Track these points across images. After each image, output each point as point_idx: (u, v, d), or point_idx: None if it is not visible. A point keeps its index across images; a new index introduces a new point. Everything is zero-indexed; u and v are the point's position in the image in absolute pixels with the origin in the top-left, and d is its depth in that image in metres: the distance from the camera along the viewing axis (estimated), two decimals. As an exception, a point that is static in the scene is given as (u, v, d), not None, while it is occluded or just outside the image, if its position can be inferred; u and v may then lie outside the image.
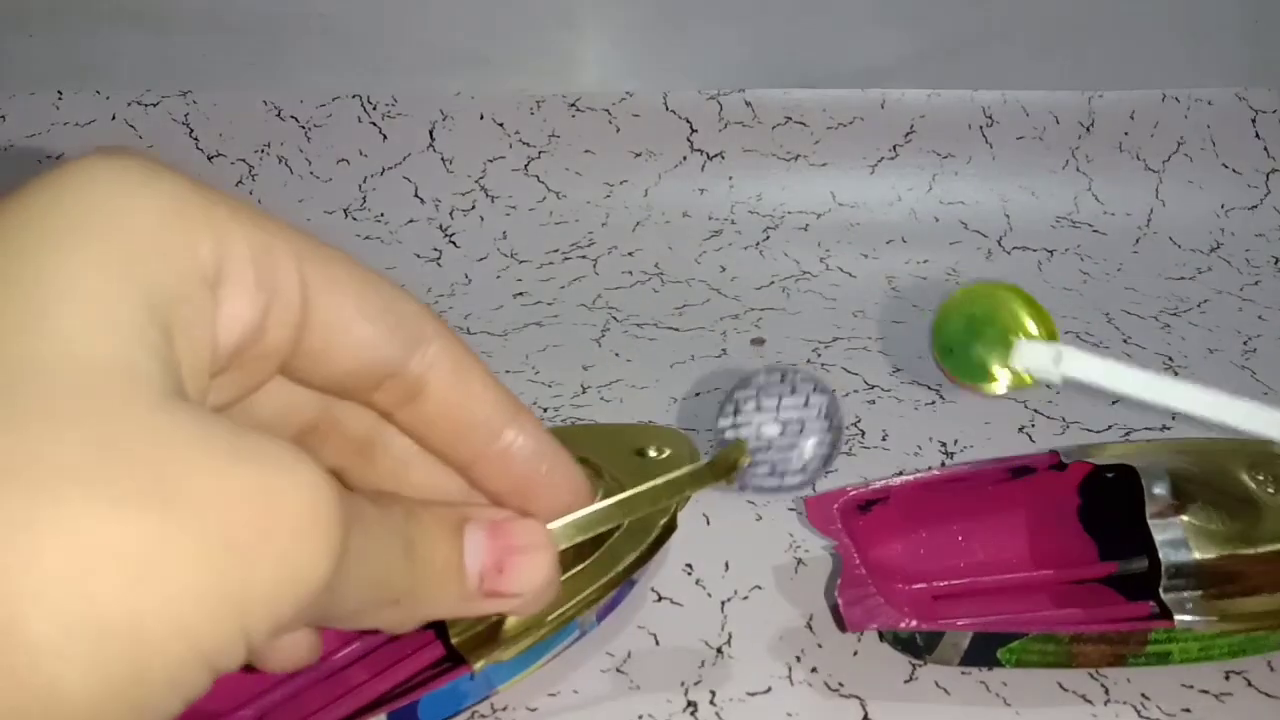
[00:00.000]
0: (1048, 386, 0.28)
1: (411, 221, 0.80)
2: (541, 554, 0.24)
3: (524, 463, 0.25)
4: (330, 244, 0.22)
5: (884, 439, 0.57)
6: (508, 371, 0.64)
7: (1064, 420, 0.59)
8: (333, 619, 0.21)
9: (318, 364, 0.22)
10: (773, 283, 0.75)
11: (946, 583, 0.46)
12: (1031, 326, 0.29)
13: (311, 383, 0.22)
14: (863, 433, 0.58)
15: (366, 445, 0.25)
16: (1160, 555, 0.40)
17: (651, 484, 0.24)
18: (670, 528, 0.44)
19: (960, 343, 0.31)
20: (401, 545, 0.22)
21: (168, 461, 0.16)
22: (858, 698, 0.41)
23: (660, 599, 0.46)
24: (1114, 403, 0.60)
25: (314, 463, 0.18)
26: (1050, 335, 0.28)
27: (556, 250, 0.78)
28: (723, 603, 0.46)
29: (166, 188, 0.19)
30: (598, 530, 0.25)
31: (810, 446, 0.24)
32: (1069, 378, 0.27)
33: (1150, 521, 0.41)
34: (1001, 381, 0.29)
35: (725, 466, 0.24)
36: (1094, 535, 0.46)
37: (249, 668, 0.20)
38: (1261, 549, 0.41)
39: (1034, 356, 0.28)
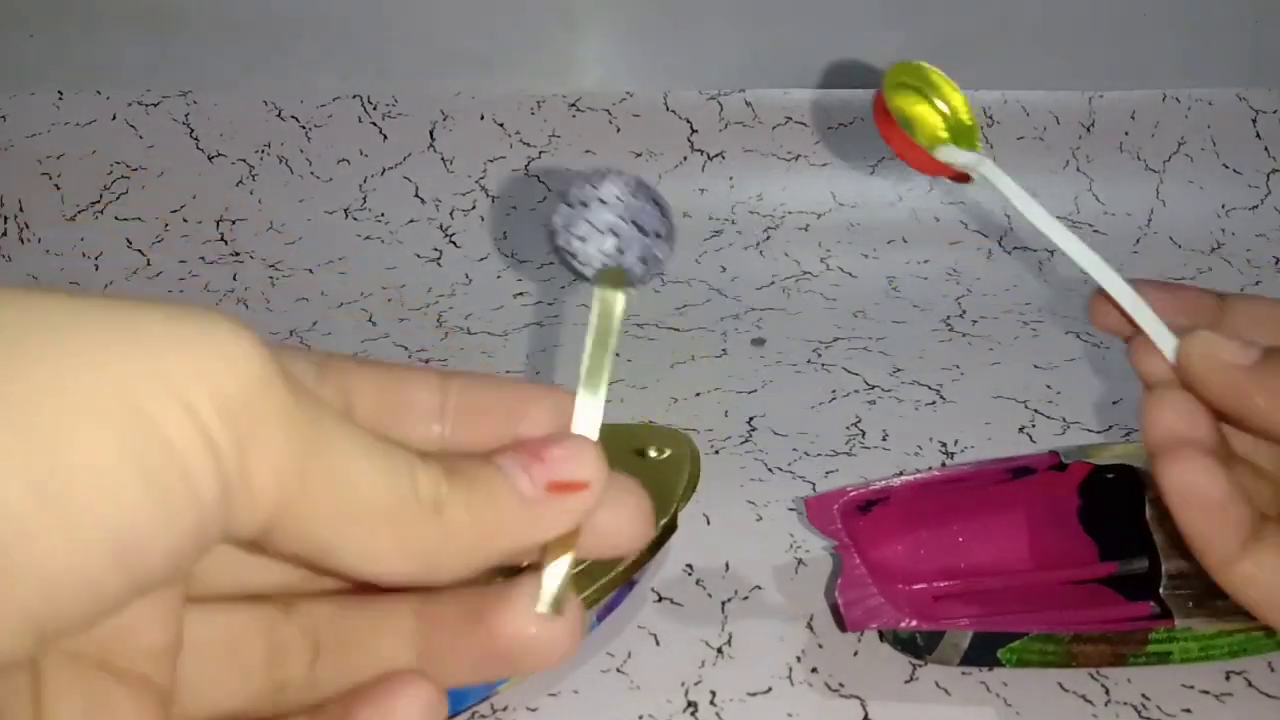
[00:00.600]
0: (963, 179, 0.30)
1: (412, 221, 0.80)
2: (583, 442, 0.23)
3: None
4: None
5: (884, 439, 0.57)
6: (508, 371, 0.64)
7: (1064, 420, 0.59)
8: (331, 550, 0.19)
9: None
10: (773, 283, 0.75)
11: (947, 583, 0.46)
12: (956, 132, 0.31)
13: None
14: (863, 433, 0.58)
15: None
16: (1160, 555, 0.40)
17: (591, 337, 0.23)
18: (670, 528, 0.44)
19: (914, 93, 0.31)
20: (407, 470, 0.20)
21: None
22: (858, 698, 0.41)
23: (660, 599, 0.46)
24: (1115, 402, 0.60)
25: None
26: (970, 145, 0.31)
27: (557, 250, 0.78)
28: (723, 603, 0.46)
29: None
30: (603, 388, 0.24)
31: (650, 224, 0.24)
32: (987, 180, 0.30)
33: (1150, 522, 0.41)
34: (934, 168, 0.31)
35: (613, 286, 0.24)
36: (1094, 535, 0.46)
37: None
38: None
39: (955, 158, 0.30)
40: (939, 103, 0.31)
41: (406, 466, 0.19)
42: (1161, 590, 0.40)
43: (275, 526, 0.18)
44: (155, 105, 0.81)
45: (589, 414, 0.23)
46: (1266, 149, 0.81)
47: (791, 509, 0.52)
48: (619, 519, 0.23)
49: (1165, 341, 0.28)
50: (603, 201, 0.23)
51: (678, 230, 0.23)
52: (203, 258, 0.78)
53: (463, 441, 0.23)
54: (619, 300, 0.23)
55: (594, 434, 0.23)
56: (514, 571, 0.24)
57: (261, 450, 0.17)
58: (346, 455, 0.18)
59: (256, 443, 0.17)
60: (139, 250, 0.78)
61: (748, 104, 0.81)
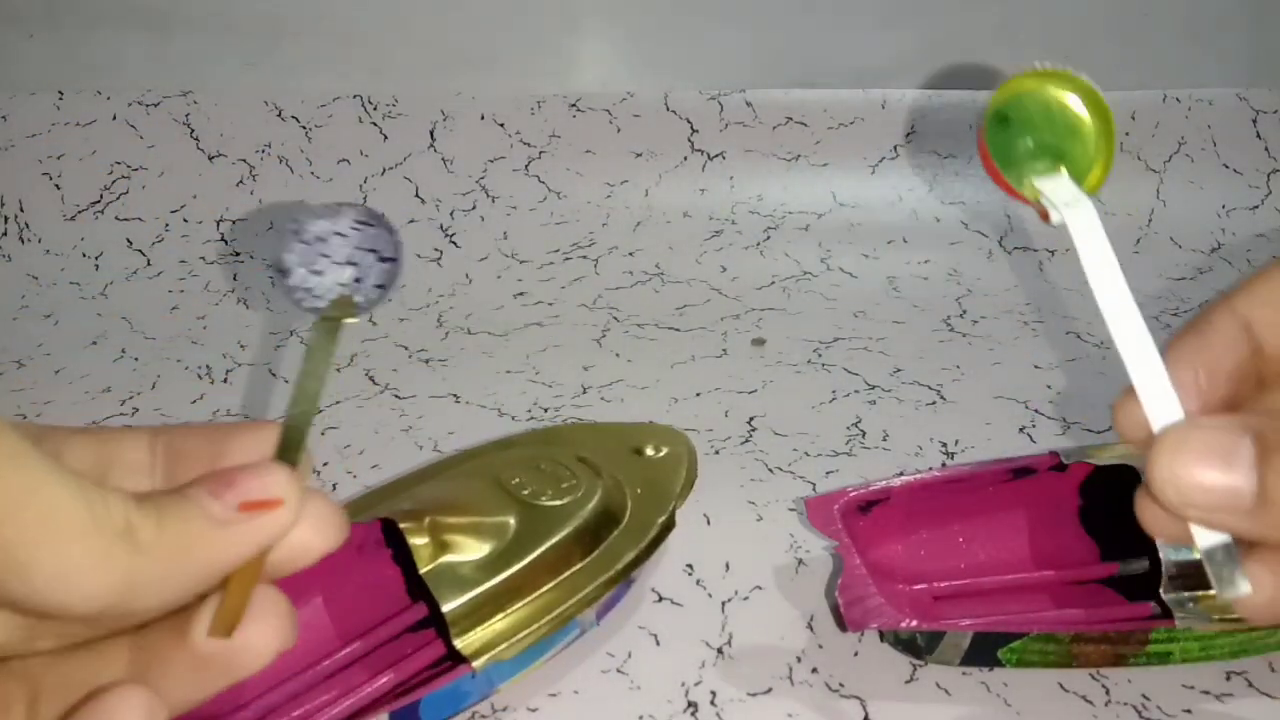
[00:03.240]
0: (1045, 218, 0.26)
1: (412, 221, 0.80)
2: (272, 465, 0.22)
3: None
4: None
5: (884, 439, 0.57)
6: (508, 371, 0.64)
7: (1064, 421, 0.59)
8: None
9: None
10: (773, 283, 0.75)
11: (947, 583, 0.46)
12: (1080, 166, 0.26)
13: None
14: (863, 433, 0.58)
15: None
16: (1161, 555, 0.40)
17: (308, 365, 0.24)
18: (669, 526, 0.44)
19: (1024, 123, 0.27)
20: (96, 493, 0.20)
21: None
22: (858, 698, 0.41)
23: (660, 599, 0.46)
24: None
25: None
26: (1093, 187, 0.26)
27: (557, 250, 0.78)
28: (723, 603, 0.46)
29: None
30: (305, 427, 0.23)
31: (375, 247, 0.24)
32: (1065, 228, 0.26)
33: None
34: (1025, 184, 0.27)
35: (342, 315, 0.24)
36: (1094, 536, 0.46)
37: None
38: (1262, 549, 0.41)
39: (1056, 189, 0.26)
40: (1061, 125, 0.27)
41: (95, 490, 0.20)
42: (1162, 590, 0.40)
43: None
44: (155, 105, 0.81)
45: (297, 440, 0.23)
46: (1266, 149, 0.81)
47: (792, 509, 0.52)
48: (305, 530, 0.23)
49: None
50: (340, 235, 0.23)
51: (404, 249, 0.24)
52: (203, 258, 0.78)
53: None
54: (342, 328, 0.23)
55: (300, 458, 0.23)
56: None
57: None
58: (32, 473, 0.19)
59: None
60: (139, 250, 0.78)
61: (748, 104, 0.81)
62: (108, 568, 0.20)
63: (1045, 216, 0.26)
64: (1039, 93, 0.27)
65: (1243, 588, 0.25)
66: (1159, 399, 0.25)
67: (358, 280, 0.23)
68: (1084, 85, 0.26)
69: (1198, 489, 0.24)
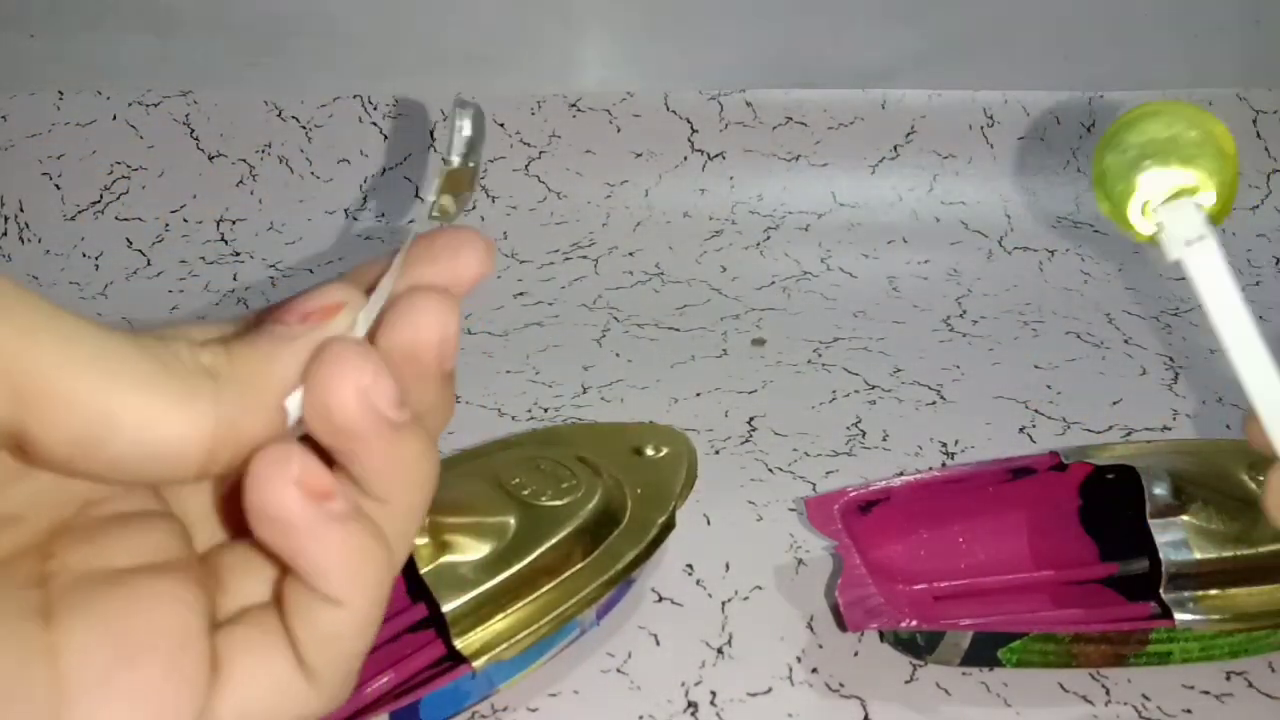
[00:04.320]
0: (1154, 245, 0.24)
1: (412, 222, 0.80)
2: (326, 285, 0.22)
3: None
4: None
5: (885, 439, 0.57)
6: (508, 371, 0.64)
7: (1065, 421, 0.59)
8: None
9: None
10: (773, 283, 0.75)
11: (947, 583, 0.46)
12: (1208, 195, 0.24)
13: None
14: (863, 433, 0.58)
15: None
16: (1161, 555, 0.40)
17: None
18: (669, 526, 0.44)
19: (1141, 149, 0.24)
20: (159, 339, 0.19)
21: None
22: (858, 698, 0.41)
23: (660, 599, 0.46)
24: (1115, 402, 0.60)
25: None
26: (1218, 216, 0.24)
27: (557, 250, 0.78)
28: (723, 603, 0.46)
29: None
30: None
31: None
32: (1181, 265, 0.23)
33: (1151, 522, 0.41)
34: (1134, 217, 0.24)
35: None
36: (1094, 536, 0.46)
37: None
38: (1261, 549, 0.41)
39: (1179, 221, 0.23)
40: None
41: (152, 339, 0.19)
42: (1162, 590, 0.40)
43: (31, 401, 0.17)
44: (155, 105, 0.81)
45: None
46: (1266, 149, 0.81)
47: (792, 509, 0.52)
48: (455, 247, 0.23)
49: None
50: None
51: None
52: (203, 258, 0.78)
53: None
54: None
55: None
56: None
57: None
58: (86, 334, 0.18)
59: None
60: (139, 250, 0.78)
61: (748, 104, 0.81)
62: (193, 403, 0.19)
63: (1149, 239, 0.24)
64: (1168, 115, 0.24)
65: None
66: None
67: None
68: (1201, 115, 0.24)
69: None
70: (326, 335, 0.20)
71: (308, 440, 0.20)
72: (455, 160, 0.25)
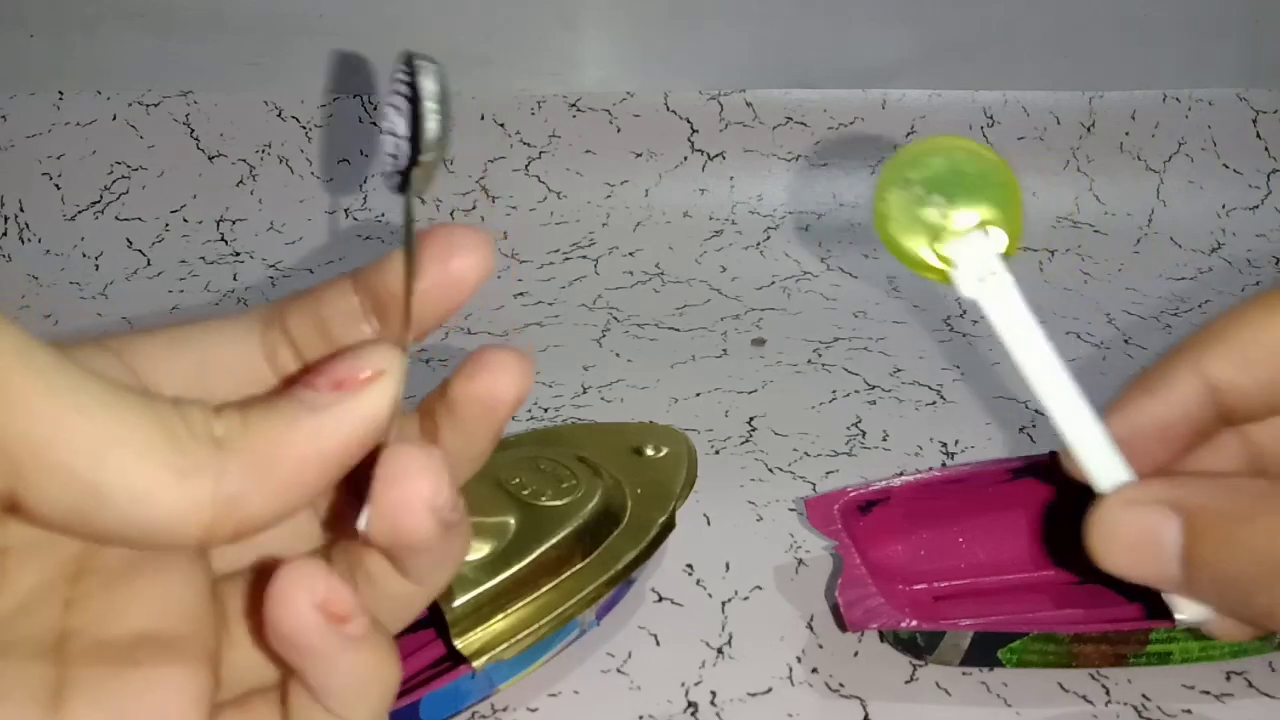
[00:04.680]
0: (944, 283, 0.24)
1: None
2: (370, 342, 0.20)
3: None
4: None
5: (884, 439, 0.57)
6: (508, 371, 0.64)
7: (1064, 420, 0.59)
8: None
9: None
10: (773, 283, 0.75)
11: (947, 583, 0.46)
12: (997, 231, 0.24)
13: None
14: (863, 433, 0.58)
15: None
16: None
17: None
18: (669, 526, 0.44)
19: (926, 184, 0.24)
20: (166, 402, 0.18)
21: None
22: (858, 698, 0.41)
23: (660, 599, 0.46)
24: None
25: None
26: (1009, 250, 0.24)
27: (557, 250, 0.78)
28: (723, 603, 0.46)
29: None
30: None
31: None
32: (975, 302, 0.23)
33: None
34: (924, 254, 0.24)
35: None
36: (1094, 535, 0.46)
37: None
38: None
39: (971, 257, 0.23)
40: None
41: (160, 400, 0.18)
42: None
43: (21, 468, 0.17)
44: (155, 105, 0.81)
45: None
46: (1266, 149, 0.81)
47: (792, 509, 0.52)
48: (495, 372, 0.22)
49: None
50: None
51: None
52: (203, 258, 0.78)
53: None
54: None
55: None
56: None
57: None
58: (76, 389, 0.17)
59: None
60: (139, 250, 0.78)
61: (748, 104, 0.81)
62: (193, 478, 0.17)
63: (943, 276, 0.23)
64: (946, 149, 0.24)
65: (1195, 614, 0.25)
66: (1101, 466, 0.25)
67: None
68: (979, 147, 0.24)
69: (1129, 573, 0.24)
70: (362, 409, 0.19)
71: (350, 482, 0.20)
72: (431, 130, 0.22)
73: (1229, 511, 0.23)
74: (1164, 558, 0.23)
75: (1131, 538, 0.24)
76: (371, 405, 0.19)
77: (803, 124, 0.82)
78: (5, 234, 0.79)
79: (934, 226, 0.23)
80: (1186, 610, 0.24)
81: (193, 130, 0.81)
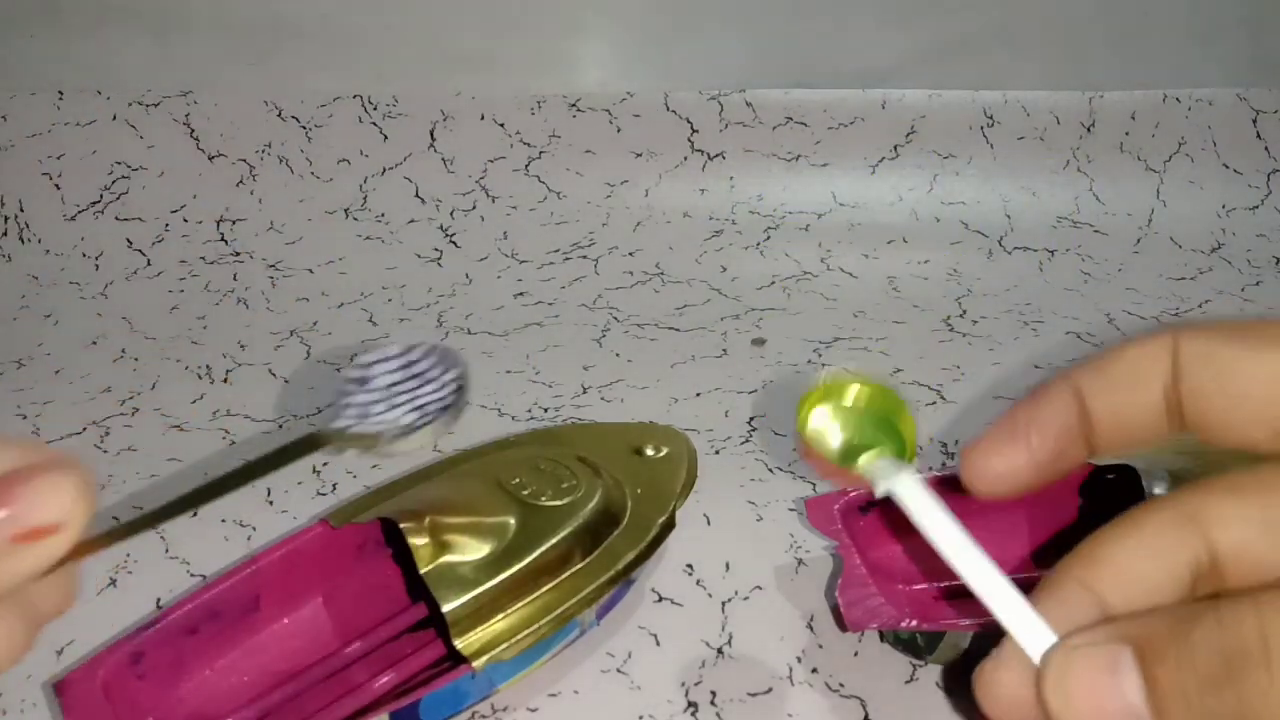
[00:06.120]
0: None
1: (412, 221, 0.80)
2: (51, 476, 0.19)
3: None
4: None
5: (884, 439, 0.57)
6: (508, 371, 0.64)
7: (1064, 420, 0.58)
8: None
9: None
10: (773, 283, 0.75)
11: (947, 583, 0.46)
12: (898, 454, 0.30)
13: None
14: (863, 433, 0.58)
15: None
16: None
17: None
18: (669, 526, 0.44)
19: (843, 424, 0.32)
20: None
21: None
22: (858, 698, 0.41)
23: (660, 599, 0.46)
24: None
25: None
26: (909, 456, 0.30)
27: (557, 250, 0.78)
28: (723, 603, 0.46)
29: None
30: None
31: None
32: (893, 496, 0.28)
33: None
34: (844, 467, 0.30)
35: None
36: (1094, 535, 0.46)
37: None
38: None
39: (880, 469, 0.29)
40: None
41: None
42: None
43: None
44: (155, 105, 0.81)
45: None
46: (1266, 149, 0.81)
47: (791, 509, 0.52)
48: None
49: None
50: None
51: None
52: (203, 258, 0.78)
53: None
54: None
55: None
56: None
57: None
58: None
59: None
60: (139, 250, 0.78)
61: (748, 104, 0.81)
62: None
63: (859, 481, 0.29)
64: (838, 403, 0.32)
65: None
66: (1030, 632, 0.26)
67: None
68: (865, 381, 0.30)
69: (1094, 712, 0.23)
70: (27, 567, 0.19)
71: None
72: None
73: (1174, 630, 0.23)
74: (1125, 680, 0.23)
75: (1089, 664, 0.24)
76: (39, 563, 0.19)
77: (803, 124, 0.82)
78: (5, 234, 0.79)
79: (847, 451, 0.30)
80: None
81: (193, 130, 0.81)
